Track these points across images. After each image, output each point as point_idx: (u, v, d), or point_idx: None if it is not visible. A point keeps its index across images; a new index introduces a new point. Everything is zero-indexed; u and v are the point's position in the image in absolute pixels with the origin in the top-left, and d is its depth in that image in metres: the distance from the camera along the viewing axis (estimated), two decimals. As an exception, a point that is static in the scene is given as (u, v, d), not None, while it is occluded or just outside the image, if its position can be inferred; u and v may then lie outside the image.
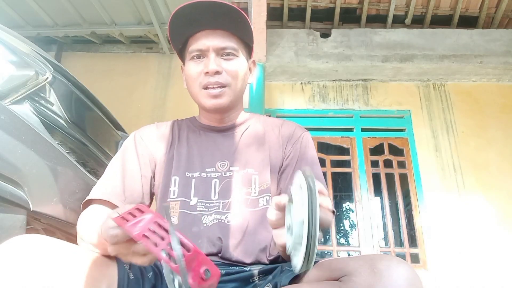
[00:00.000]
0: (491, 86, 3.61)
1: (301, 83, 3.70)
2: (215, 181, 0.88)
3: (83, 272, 0.59)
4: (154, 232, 0.50)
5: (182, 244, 0.49)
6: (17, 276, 0.52)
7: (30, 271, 0.53)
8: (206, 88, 0.89)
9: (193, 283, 0.48)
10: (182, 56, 0.98)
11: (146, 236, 0.49)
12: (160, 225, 0.51)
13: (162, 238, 0.50)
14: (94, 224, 0.69)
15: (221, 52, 0.90)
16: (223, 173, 0.89)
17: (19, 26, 3.27)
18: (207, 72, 0.87)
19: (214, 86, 0.88)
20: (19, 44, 1.24)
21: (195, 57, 0.91)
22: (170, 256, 0.48)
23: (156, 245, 0.49)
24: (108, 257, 0.66)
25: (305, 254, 0.49)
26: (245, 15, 0.89)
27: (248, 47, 0.98)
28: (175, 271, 0.47)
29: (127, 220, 0.52)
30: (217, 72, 0.88)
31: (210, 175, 0.89)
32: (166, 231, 0.50)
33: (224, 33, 0.90)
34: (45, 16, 3.27)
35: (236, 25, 0.90)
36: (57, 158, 1.24)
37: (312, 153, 0.95)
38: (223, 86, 0.89)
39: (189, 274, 0.48)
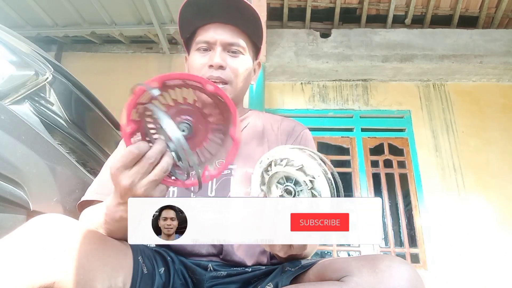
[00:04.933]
0: (491, 86, 3.61)
1: (301, 83, 3.69)
2: None
3: (102, 259, 0.58)
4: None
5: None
6: (38, 257, 0.50)
7: (50, 251, 0.51)
8: None
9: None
10: (188, 46, 0.96)
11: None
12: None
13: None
14: (96, 212, 0.69)
15: (228, 48, 0.87)
16: None
17: (19, 26, 3.27)
18: (211, 65, 0.85)
19: (216, 81, 0.85)
20: (19, 44, 1.24)
21: (201, 49, 0.88)
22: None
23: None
24: (125, 244, 0.65)
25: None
26: (258, 15, 0.87)
27: (256, 47, 0.95)
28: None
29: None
30: (221, 67, 0.85)
31: None
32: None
33: (234, 28, 0.87)
34: (45, 16, 3.26)
35: (247, 23, 0.87)
36: (57, 158, 1.23)
37: None
38: (224, 82, 0.86)
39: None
